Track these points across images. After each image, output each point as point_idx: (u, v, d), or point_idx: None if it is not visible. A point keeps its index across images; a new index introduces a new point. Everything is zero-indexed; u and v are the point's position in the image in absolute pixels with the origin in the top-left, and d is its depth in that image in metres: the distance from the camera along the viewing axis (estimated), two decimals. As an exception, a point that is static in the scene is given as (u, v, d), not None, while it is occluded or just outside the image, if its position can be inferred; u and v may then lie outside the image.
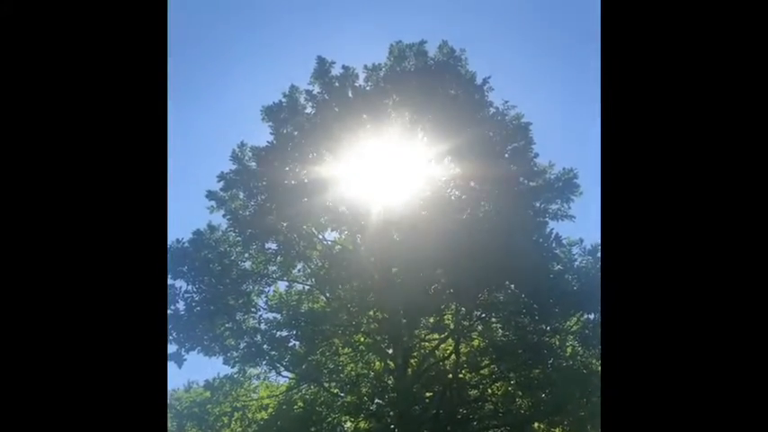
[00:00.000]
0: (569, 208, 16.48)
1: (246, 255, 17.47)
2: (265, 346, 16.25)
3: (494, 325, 16.96)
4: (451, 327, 16.59)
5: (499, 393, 16.67)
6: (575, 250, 16.81)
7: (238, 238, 17.08)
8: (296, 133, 17.26)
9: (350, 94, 17.31)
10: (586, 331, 15.96)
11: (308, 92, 17.53)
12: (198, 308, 16.08)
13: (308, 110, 17.57)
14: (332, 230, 17.41)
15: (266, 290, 17.73)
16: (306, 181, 16.78)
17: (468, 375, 16.63)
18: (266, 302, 17.57)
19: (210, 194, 17.10)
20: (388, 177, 17.06)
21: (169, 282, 16.10)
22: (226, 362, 16.30)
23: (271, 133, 17.28)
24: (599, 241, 14.88)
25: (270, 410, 17.51)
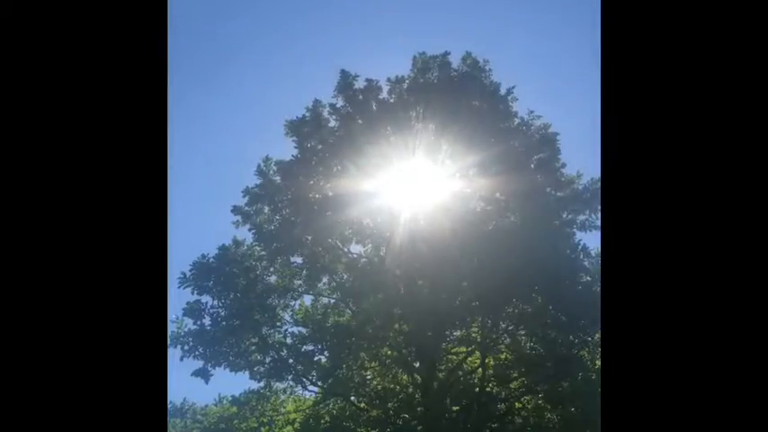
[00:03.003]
0: (597, 218, 16.26)
1: (272, 269, 17.46)
2: (291, 361, 16.21)
3: (521, 337, 16.73)
4: (478, 340, 16.40)
5: (528, 407, 16.40)
6: (603, 261, 16.50)
7: (263, 253, 17.08)
8: (320, 147, 17.30)
9: (374, 107, 17.28)
10: (616, 343, 15.61)
11: (332, 105, 17.57)
12: (224, 323, 16.08)
13: (332, 123, 17.60)
14: (357, 243, 17.32)
15: (292, 304, 17.74)
16: (330, 194, 16.77)
17: (496, 389, 16.40)
18: (292, 316, 17.57)
19: (236, 209, 17.15)
20: (412, 189, 16.99)
21: (195, 297, 16.20)
22: (252, 377, 16.27)
23: (295, 147, 17.35)
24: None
25: (296, 425, 17.46)
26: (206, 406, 18.52)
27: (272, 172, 17.36)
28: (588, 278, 15.70)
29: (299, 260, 17.30)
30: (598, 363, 16.11)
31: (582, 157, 28.35)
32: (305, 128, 17.40)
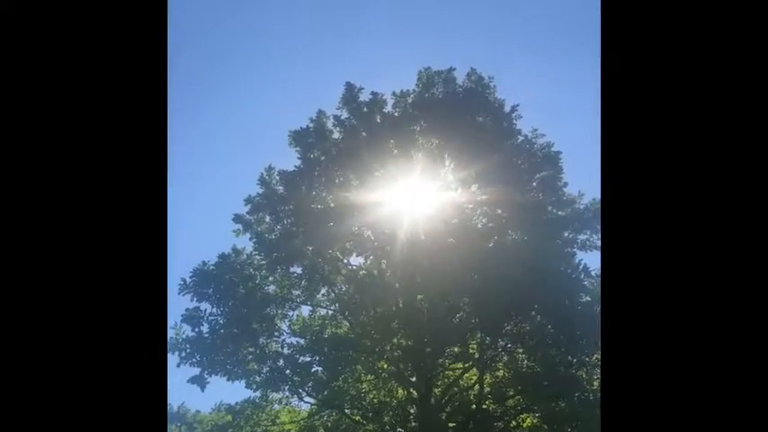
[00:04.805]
0: (598, 239, 16.21)
1: (271, 278, 17.44)
2: (288, 371, 16.13)
3: (519, 356, 16.66)
4: (476, 356, 16.35)
5: (524, 426, 16.31)
6: (603, 281, 16.41)
7: (263, 262, 17.05)
8: (323, 158, 17.32)
9: (378, 120, 17.31)
10: (614, 364, 15.52)
11: (336, 117, 17.61)
12: (222, 330, 16.04)
13: (336, 135, 17.62)
14: (357, 255, 17.28)
15: (290, 314, 17.69)
16: (332, 205, 16.78)
17: (493, 406, 16.31)
18: (289, 327, 17.52)
19: (237, 218, 17.16)
20: (414, 203, 16.98)
21: (194, 304, 16.15)
22: (248, 386, 16.19)
23: (298, 158, 17.37)
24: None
25: (291, 436, 17.36)
26: (197, 412, 18.38)
27: (274, 181, 17.39)
28: (588, 298, 15.64)
29: (298, 270, 17.27)
30: (596, 383, 16.03)
31: (584, 177, 28.32)
32: (308, 138, 17.45)
